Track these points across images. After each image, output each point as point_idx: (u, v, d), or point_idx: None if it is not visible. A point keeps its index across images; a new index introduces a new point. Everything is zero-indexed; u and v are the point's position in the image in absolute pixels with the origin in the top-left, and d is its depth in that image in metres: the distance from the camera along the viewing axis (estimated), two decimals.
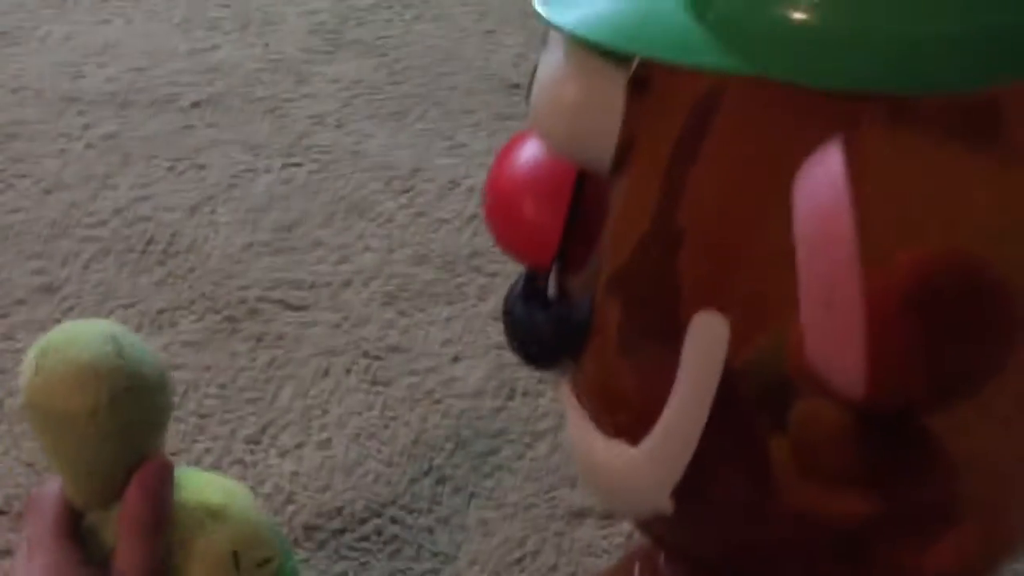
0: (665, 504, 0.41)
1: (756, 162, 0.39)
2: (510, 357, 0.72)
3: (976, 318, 0.38)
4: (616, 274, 0.43)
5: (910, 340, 0.35)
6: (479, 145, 0.86)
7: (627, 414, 0.42)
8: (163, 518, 0.43)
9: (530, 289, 0.44)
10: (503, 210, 0.44)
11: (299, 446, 0.64)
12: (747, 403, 0.41)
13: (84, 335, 0.42)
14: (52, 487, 0.45)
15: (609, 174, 0.42)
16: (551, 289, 0.45)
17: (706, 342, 0.38)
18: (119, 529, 0.42)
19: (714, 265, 0.41)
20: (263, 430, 0.65)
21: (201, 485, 0.46)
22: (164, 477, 0.43)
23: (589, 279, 0.44)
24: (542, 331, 0.43)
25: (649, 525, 0.45)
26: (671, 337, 0.42)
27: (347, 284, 0.75)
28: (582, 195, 0.43)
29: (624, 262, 0.43)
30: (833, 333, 0.33)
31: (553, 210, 0.42)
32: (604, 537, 0.59)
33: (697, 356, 0.38)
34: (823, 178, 0.32)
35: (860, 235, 0.31)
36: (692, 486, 0.41)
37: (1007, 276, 0.39)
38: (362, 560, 0.58)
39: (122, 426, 0.42)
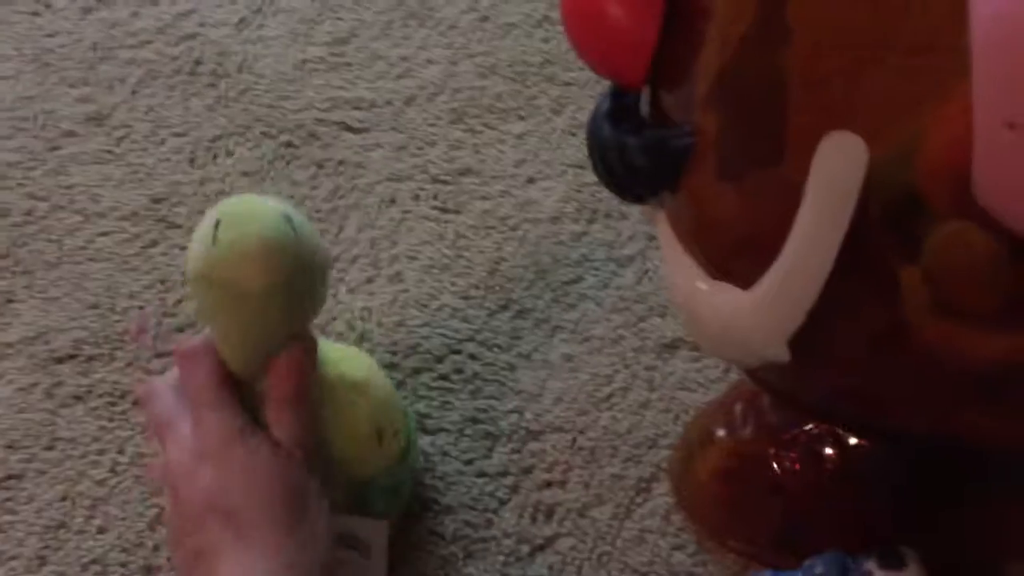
0: (781, 352, 0.36)
1: None
2: (591, 176, 0.66)
3: None
4: (717, 81, 0.37)
5: None
6: None
7: (735, 252, 0.37)
8: (306, 392, 0.44)
9: (619, 109, 0.38)
10: (586, 14, 0.37)
11: (369, 280, 0.61)
12: (874, 227, 0.36)
13: (262, 211, 0.43)
14: (204, 342, 0.45)
15: None
16: (644, 109, 0.39)
17: (839, 167, 0.32)
18: (267, 402, 0.43)
19: (828, 65, 0.35)
20: (331, 264, 0.61)
21: (339, 358, 0.47)
22: (311, 356, 0.44)
23: (689, 97, 0.38)
24: (635, 158, 0.37)
25: (758, 372, 0.41)
26: (781, 155, 0.36)
27: (410, 101, 0.69)
28: None
29: (726, 66, 0.37)
30: (1015, 158, 0.26)
31: (645, 15, 0.36)
32: (699, 370, 0.55)
33: (827, 184, 0.32)
34: None
35: None
36: (812, 332, 0.36)
37: None
38: (442, 400, 0.55)
39: (291, 304, 0.43)
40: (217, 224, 0.42)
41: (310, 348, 0.45)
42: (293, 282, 0.42)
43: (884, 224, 0.36)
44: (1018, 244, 0.34)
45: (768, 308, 0.35)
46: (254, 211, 0.43)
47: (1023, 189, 0.27)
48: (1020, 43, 0.25)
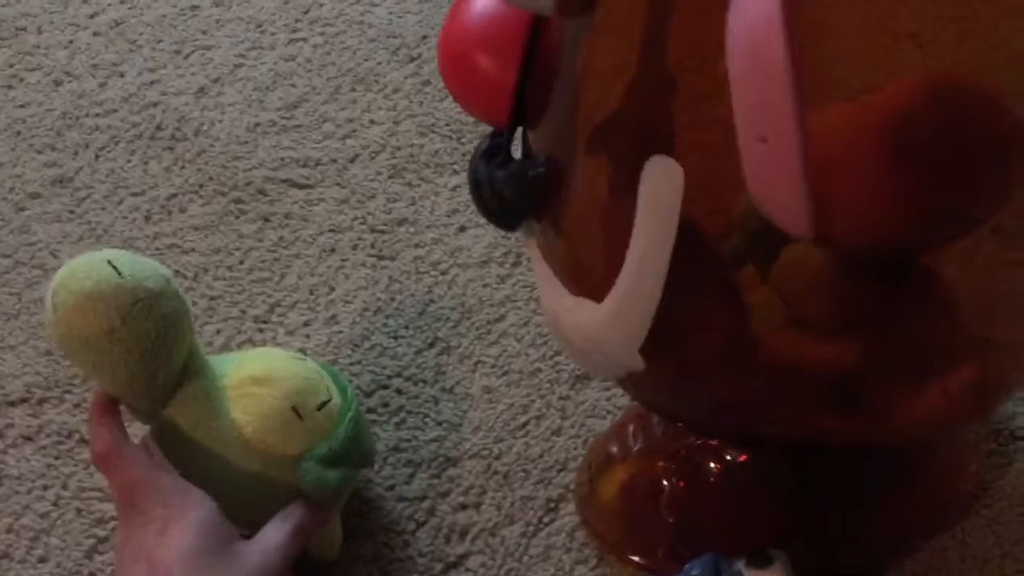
0: (635, 361, 0.40)
1: None
2: None
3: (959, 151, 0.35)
4: (604, 125, 0.41)
5: (869, 174, 0.32)
6: None
7: (593, 270, 0.41)
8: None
9: (492, 148, 0.42)
10: (456, 65, 0.41)
11: (307, 323, 0.64)
12: (728, 254, 0.40)
13: (83, 265, 0.45)
14: (97, 398, 0.48)
15: (569, 19, 0.40)
16: (515, 148, 0.43)
17: (661, 187, 0.36)
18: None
19: (703, 108, 0.39)
20: (271, 309, 0.65)
21: (241, 363, 0.50)
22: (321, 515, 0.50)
23: (549, 133, 0.42)
24: (502, 188, 0.41)
25: (628, 385, 0.44)
26: None
27: (353, 159, 0.74)
28: (537, 47, 0.41)
29: (614, 112, 0.40)
30: (769, 168, 0.30)
31: (506, 63, 0.40)
32: (608, 399, 0.58)
33: (653, 202, 0.36)
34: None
35: (795, 64, 0.29)
36: (664, 341, 0.40)
37: (1007, 104, 0.36)
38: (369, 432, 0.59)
39: (143, 336, 0.45)
40: (52, 293, 0.45)
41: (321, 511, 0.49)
42: (131, 318, 0.45)
43: (742, 251, 0.39)
44: (846, 258, 0.38)
45: (616, 320, 0.39)
46: (76, 268, 0.45)
47: (780, 194, 0.31)
48: (761, 67, 0.29)
